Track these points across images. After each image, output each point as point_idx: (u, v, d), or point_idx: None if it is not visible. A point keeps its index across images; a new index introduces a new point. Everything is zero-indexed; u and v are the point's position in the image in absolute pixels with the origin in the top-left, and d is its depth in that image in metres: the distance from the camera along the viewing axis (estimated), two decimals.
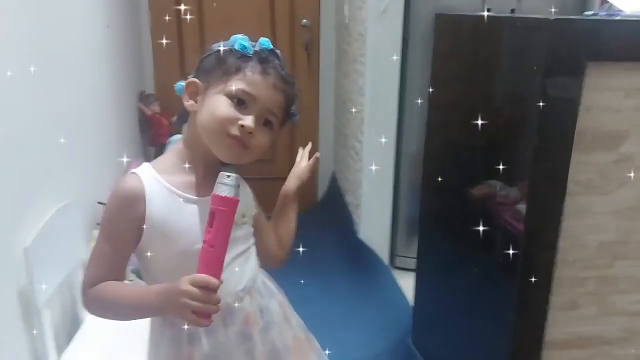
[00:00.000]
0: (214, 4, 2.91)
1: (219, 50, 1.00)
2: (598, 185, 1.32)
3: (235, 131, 0.96)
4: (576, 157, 1.28)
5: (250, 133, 0.96)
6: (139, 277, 1.76)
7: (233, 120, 0.96)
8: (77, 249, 1.64)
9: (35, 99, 1.53)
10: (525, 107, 1.33)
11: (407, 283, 2.28)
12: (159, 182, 0.98)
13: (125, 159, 2.55)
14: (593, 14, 1.38)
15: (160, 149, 2.82)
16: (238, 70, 0.97)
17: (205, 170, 1.01)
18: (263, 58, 0.99)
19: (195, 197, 1.00)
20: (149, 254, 0.98)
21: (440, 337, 1.91)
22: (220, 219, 0.88)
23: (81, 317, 1.59)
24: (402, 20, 2.48)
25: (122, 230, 0.97)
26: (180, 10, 2.97)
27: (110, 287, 0.96)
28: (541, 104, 1.24)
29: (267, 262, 1.15)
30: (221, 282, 0.89)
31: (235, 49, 0.98)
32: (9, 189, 1.36)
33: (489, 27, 1.48)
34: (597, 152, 1.29)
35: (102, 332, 1.54)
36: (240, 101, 0.97)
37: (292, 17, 3.03)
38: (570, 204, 1.32)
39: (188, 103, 1.01)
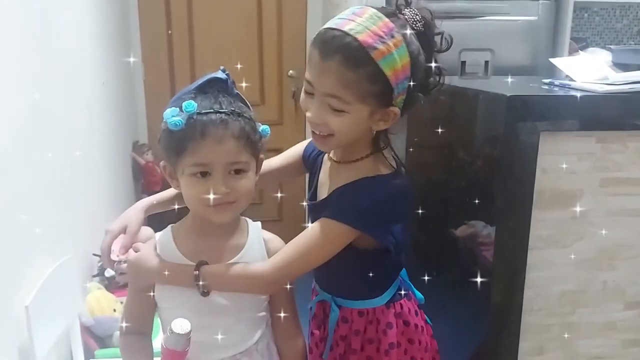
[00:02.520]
0: (204, 51, 3.06)
1: (163, 131, 1.01)
2: (558, 240, 1.44)
3: (212, 201, 0.99)
4: (537, 215, 1.40)
5: (228, 193, 0.99)
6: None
7: (205, 196, 0.99)
8: (74, 302, 1.70)
9: (33, 156, 1.61)
10: (491, 165, 1.45)
11: None
12: (172, 250, 1.07)
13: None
14: (549, 83, 1.52)
15: None
16: (183, 149, 0.98)
17: (216, 228, 1.06)
18: (195, 122, 0.97)
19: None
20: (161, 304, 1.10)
21: None
22: None
23: None
24: None
25: (140, 291, 1.09)
26: (173, 63, 3.12)
27: (128, 349, 1.11)
28: (502, 166, 1.37)
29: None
30: None
31: (169, 127, 0.98)
32: (9, 249, 1.44)
33: (457, 96, 1.61)
34: (555, 209, 1.41)
35: None
36: (202, 173, 0.99)
37: (279, 69, 3.18)
38: (533, 257, 1.43)
39: (173, 184, 1.06)
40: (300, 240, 1.04)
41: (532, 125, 1.32)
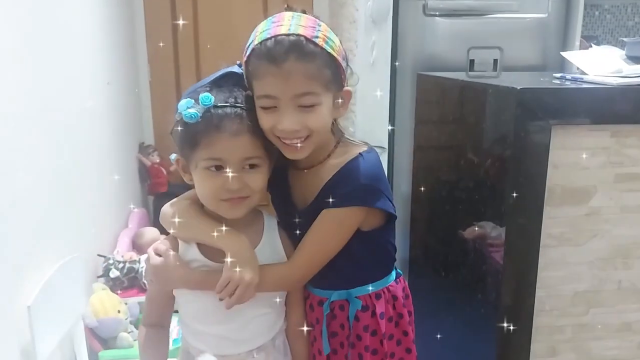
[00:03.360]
0: (208, 45, 3.05)
1: (177, 123, 1.01)
2: (570, 238, 1.40)
3: (226, 195, 1.00)
4: (548, 212, 1.36)
5: (242, 188, 1.00)
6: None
7: (219, 190, 1.00)
8: (77, 303, 1.69)
9: (39, 156, 1.61)
10: (500, 162, 1.42)
11: None
12: (189, 246, 1.07)
13: (131, 206, 2.64)
14: (561, 77, 1.48)
15: (159, 198, 2.90)
16: (197, 142, 0.99)
17: (231, 222, 1.05)
18: (211, 115, 0.98)
19: (216, 264, 1.04)
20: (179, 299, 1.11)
21: None
22: None
23: None
24: (390, 70, 2.59)
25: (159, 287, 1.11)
26: (178, 63, 3.11)
27: (146, 341, 1.13)
28: (512, 162, 1.34)
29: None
30: None
31: (185, 119, 0.98)
32: (12, 248, 1.43)
33: (466, 90, 1.58)
34: (568, 206, 1.38)
35: None
36: (217, 167, 0.99)
37: None
38: (545, 256, 1.39)
39: (185, 178, 1.07)
40: (315, 235, 1.06)
41: (544, 119, 1.28)
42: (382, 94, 2.52)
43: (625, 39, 1.48)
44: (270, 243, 1.10)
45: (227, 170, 0.99)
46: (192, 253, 1.06)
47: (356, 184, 1.03)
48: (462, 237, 1.65)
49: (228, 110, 0.98)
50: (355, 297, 1.14)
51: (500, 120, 1.41)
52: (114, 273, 1.99)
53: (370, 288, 1.13)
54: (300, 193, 1.12)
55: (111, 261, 2.02)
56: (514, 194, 1.33)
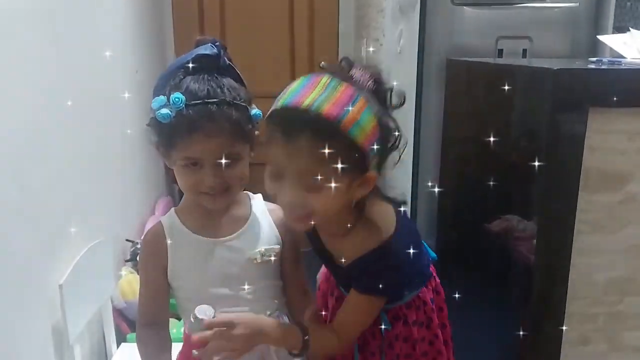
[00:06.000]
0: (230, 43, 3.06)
1: (151, 119, 1.00)
2: (605, 225, 1.37)
3: (205, 189, 1.01)
4: (583, 197, 1.34)
5: (221, 182, 1.00)
6: None
7: (198, 185, 1.01)
8: (107, 285, 1.71)
9: (68, 142, 1.63)
10: (533, 148, 1.40)
11: None
12: (181, 229, 1.08)
13: (158, 200, 2.65)
14: (597, 61, 1.45)
15: None
16: (173, 143, 0.99)
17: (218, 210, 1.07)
18: (183, 117, 0.96)
19: (209, 239, 1.07)
20: (176, 291, 1.10)
21: None
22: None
23: (110, 352, 1.65)
24: (417, 60, 2.57)
25: (153, 276, 1.10)
26: None
27: (145, 343, 1.10)
28: (547, 145, 1.31)
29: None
30: None
31: (158, 118, 0.97)
32: (45, 228, 1.45)
33: (498, 74, 1.56)
34: (603, 192, 1.35)
35: None
36: (193, 164, 0.99)
37: (310, 60, 3.16)
38: (579, 242, 1.37)
39: (168, 164, 1.06)
40: (347, 317, 1.07)
41: (581, 101, 1.25)
42: (408, 84, 2.51)
43: None
44: (260, 218, 1.11)
45: (204, 168, 0.99)
46: (183, 234, 1.08)
47: (376, 276, 1.01)
48: (489, 231, 1.63)
49: (202, 109, 0.95)
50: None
51: (535, 103, 1.38)
52: None
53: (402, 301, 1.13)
54: (332, 247, 1.10)
55: (139, 246, 2.04)
56: (548, 178, 1.31)
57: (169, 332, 1.14)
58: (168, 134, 0.98)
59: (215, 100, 0.96)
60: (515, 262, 1.50)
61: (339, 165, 0.88)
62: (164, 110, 0.95)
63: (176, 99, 0.95)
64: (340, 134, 0.88)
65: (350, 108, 0.88)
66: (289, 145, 0.89)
